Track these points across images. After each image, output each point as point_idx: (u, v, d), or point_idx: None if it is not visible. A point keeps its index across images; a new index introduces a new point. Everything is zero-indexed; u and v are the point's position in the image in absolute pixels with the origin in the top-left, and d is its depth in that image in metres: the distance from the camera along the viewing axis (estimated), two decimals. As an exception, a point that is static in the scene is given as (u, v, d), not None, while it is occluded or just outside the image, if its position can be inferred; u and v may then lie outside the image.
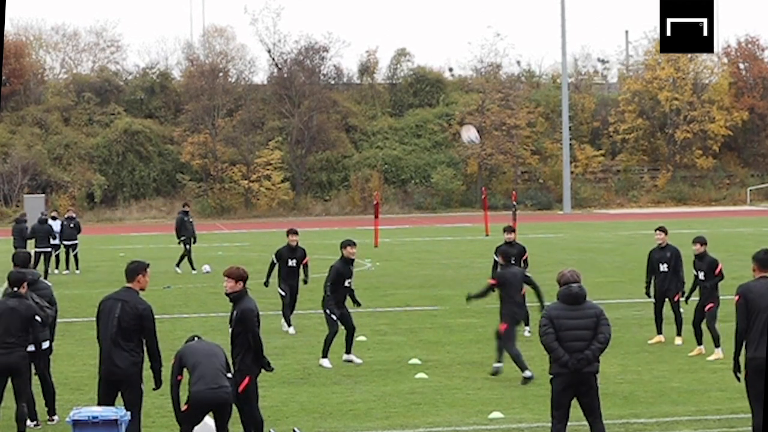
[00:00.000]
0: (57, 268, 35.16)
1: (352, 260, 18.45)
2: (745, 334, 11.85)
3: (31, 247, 33.15)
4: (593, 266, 33.09)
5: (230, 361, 12.34)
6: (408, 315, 24.56)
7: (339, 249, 18.67)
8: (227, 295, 12.66)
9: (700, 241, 18.92)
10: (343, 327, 18.42)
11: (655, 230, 20.25)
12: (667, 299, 19.93)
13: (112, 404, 12.17)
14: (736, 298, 11.95)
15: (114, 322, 11.99)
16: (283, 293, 21.89)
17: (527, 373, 16.57)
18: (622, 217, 64.09)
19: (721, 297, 18.79)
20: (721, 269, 18.60)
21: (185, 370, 12.02)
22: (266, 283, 22.23)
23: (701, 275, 18.72)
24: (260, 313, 12.74)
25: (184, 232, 34.97)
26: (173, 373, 12.04)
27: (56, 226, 35.11)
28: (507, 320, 16.96)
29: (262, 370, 12.76)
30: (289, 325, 21.91)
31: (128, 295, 12.10)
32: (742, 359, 11.98)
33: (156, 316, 12.23)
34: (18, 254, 15.00)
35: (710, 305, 18.52)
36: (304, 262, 22.00)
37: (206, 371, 11.82)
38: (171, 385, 12.04)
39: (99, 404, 12.29)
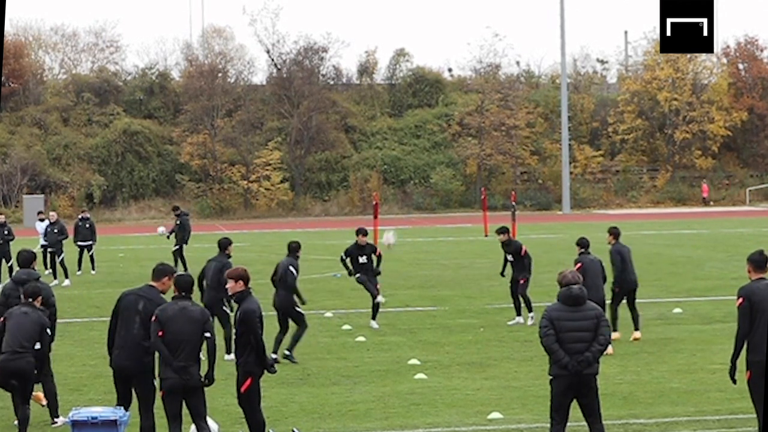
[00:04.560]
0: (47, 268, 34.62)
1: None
2: (747, 336, 11.70)
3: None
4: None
5: (210, 335, 12.13)
6: (407, 315, 24.54)
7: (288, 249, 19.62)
8: (230, 296, 12.73)
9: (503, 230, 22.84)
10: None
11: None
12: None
13: (129, 397, 12.29)
14: (739, 301, 11.72)
15: (136, 317, 12.15)
16: (359, 281, 22.50)
17: None
18: (621, 218, 63.98)
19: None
20: (526, 251, 22.56)
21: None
22: (350, 273, 22.68)
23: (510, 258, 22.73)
24: (263, 314, 12.76)
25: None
26: (153, 331, 11.90)
27: (43, 227, 34.81)
28: None
29: (265, 372, 12.76)
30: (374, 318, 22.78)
31: (151, 293, 12.36)
32: (742, 363, 11.91)
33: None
34: (20, 253, 14.96)
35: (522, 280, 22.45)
36: (378, 254, 22.67)
37: (178, 358, 11.83)
38: (153, 341, 11.91)
39: (118, 399, 12.49)
